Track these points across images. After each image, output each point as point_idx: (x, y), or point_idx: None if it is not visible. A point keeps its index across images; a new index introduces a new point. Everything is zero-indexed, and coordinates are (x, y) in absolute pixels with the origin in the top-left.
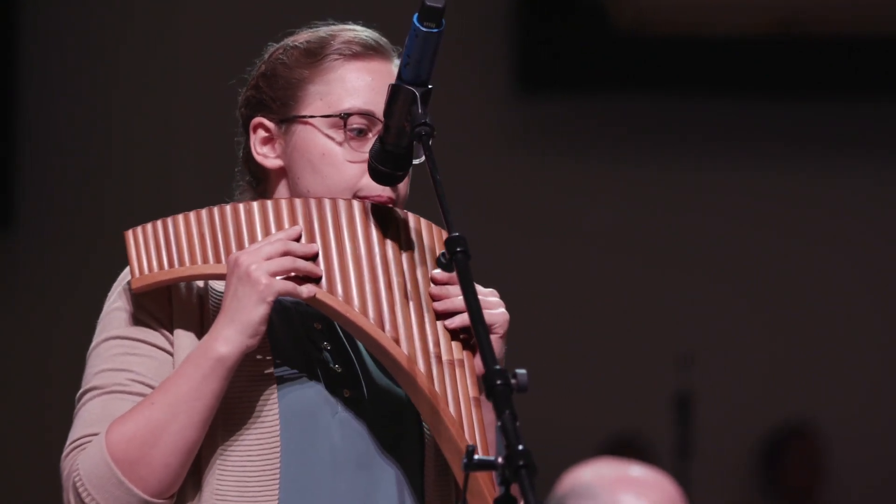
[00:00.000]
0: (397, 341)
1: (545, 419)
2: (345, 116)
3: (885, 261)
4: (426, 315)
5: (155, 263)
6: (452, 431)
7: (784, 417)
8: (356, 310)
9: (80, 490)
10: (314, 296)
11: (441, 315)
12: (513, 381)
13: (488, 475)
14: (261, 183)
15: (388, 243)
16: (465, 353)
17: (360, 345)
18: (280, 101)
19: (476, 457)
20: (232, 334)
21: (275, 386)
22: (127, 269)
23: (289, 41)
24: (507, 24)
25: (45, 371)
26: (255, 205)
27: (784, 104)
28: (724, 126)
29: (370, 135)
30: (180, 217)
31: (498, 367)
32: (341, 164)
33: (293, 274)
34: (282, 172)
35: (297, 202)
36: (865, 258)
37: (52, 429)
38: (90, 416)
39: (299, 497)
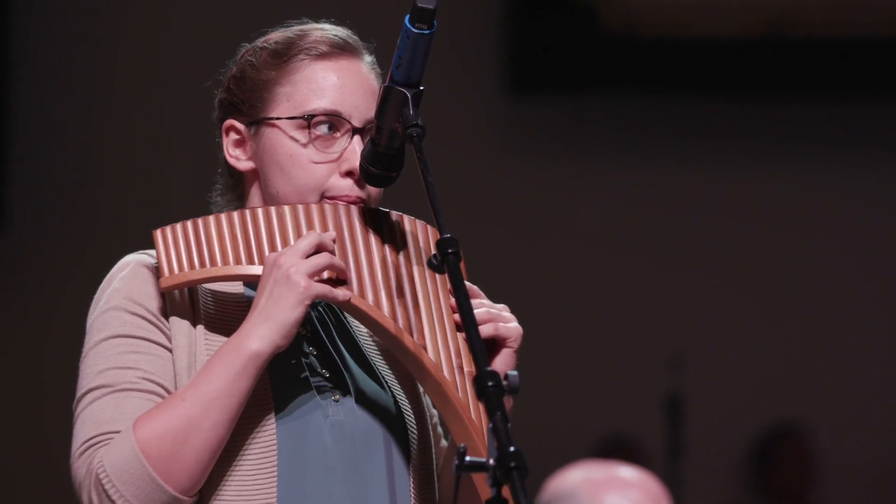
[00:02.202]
0: (424, 349)
1: (537, 421)
2: (308, 118)
3: (877, 262)
4: (447, 325)
5: (185, 263)
6: (478, 440)
7: (775, 419)
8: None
9: (107, 486)
10: (349, 300)
11: (460, 326)
12: (504, 382)
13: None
14: (238, 185)
15: (411, 253)
16: None
17: (345, 350)
18: (249, 104)
19: (467, 458)
20: (266, 332)
21: (269, 389)
22: (113, 271)
23: (258, 42)
24: (497, 25)
25: (41, 370)
26: (287, 208)
27: (772, 105)
28: (713, 127)
29: (337, 134)
30: (210, 218)
31: (489, 368)
32: (308, 166)
33: (326, 276)
34: (255, 174)
35: (327, 207)
36: (857, 259)
37: (49, 428)
38: (103, 415)
39: (296, 500)
